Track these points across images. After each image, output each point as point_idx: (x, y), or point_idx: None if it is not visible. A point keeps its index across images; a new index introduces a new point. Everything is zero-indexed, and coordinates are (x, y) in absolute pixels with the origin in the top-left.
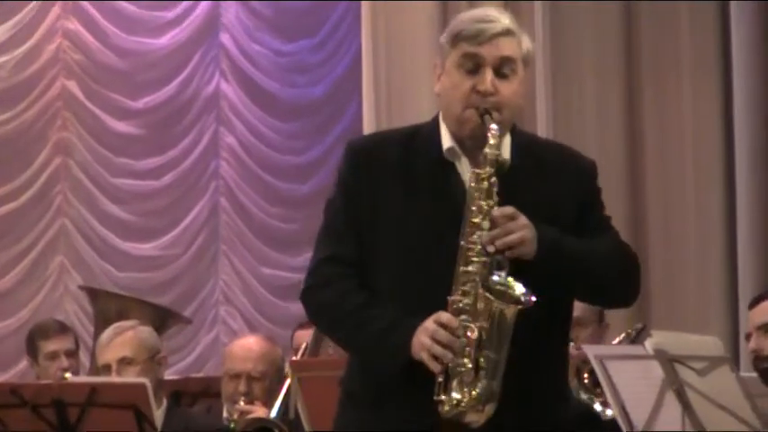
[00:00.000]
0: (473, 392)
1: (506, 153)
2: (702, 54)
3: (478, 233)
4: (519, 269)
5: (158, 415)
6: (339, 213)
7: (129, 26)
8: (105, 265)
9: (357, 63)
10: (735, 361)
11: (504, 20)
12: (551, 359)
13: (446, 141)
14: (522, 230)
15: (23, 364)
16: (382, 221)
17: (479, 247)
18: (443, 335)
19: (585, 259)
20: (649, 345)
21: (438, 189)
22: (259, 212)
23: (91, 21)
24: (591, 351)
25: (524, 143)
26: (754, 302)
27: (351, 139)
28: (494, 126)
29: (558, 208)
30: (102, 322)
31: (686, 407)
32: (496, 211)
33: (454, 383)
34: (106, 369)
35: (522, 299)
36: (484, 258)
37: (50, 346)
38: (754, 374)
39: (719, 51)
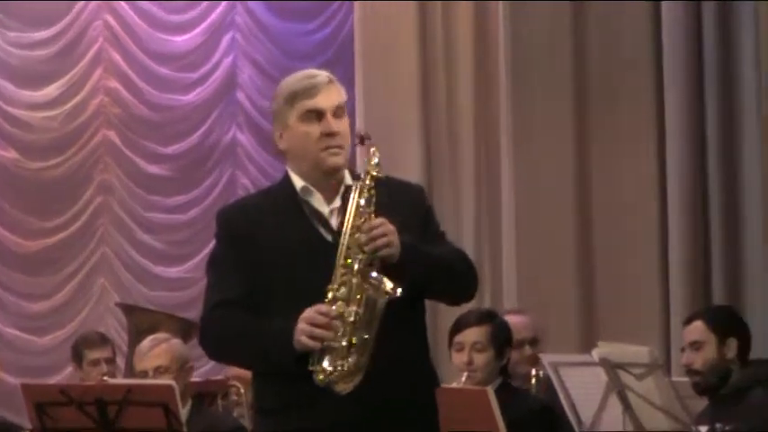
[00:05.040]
0: (344, 366)
1: (348, 180)
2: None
3: (358, 234)
4: (386, 268)
5: (184, 413)
6: (222, 266)
7: (160, 85)
8: (140, 286)
9: (352, 117)
10: (667, 367)
11: (324, 73)
12: (411, 342)
13: (298, 182)
14: (391, 236)
15: (69, 369)
16: (266, 258)
17: (357, 246)
18: (320, 318)
19: (436, 262)
20: (596, 354)
21: (303, 220)
22: None
23: (128, 80)
24: (546, 359)
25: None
26: (687, 321)
27: (219, 207)
28: (372, 149)
29: (405, 223)
30: (135, 334)
31: (627, 406)
32: (374, 221)
33: (327, 357)
34: (143, 375)
35: (391, 291)
36: (360, 256)
37: (93, 354)
38: (685, 379)
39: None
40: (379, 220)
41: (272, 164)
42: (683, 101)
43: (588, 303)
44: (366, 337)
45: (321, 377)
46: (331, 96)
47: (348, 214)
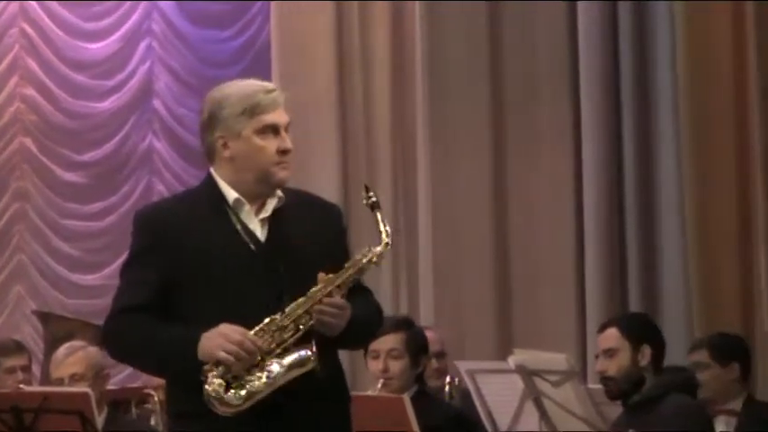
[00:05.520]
0: (235, 395)
1: (279, 192)
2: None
3: (321, 292)
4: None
5: (100, 421)
6: (136, 268)
7: (76, 92)
8: (56, 293)
9: None
10: (583, 374)
11: (276, 87)
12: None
13: (230, 192)
14: (343, 322)
15: None
16: (188, 264)
17: (308, 307)
18: (249, 346)
19: (361, 332)
20: (512, 361)
21: (229, 228)
22: None
23: (45, 87)
24: (462, 366)
25: (286, 188)
26: (602, 328)
27: (137, 209)
28: (386, 229)
29: (322, 237)
30: (52, 342)
31: (543, 413)
32: (338, 301)
33: (223, 375)
34: (59, 382)
35: (311, 365)
36: (306, 320)
37: (9, 362)
38: (600, 386)
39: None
40: (342, 302)
41: (188, 171)
42: (599, 102)
43: (504, 310)
44: (265, 389)
45: (209, 389)
46: (284, 113)
47: (342, 274)
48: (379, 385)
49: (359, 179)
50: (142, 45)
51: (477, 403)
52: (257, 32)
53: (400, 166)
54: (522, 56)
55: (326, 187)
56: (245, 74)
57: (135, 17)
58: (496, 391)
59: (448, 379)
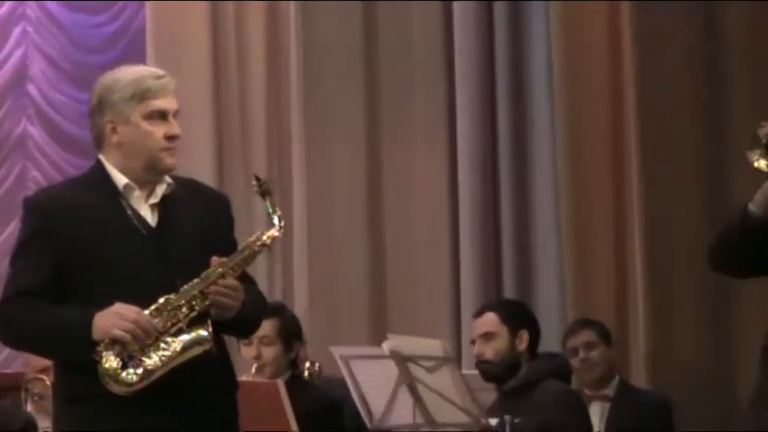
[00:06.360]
0: (132, 372)
1: (168, 178)
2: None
3: (215, 273)
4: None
5: None
6: (28, 253)
7: None
8: None
9: None
10: (458, 361)
11: (167, 74)
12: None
13: (120, 178)
14: (237, 303)
15: None
16: (81, 249)
17: (203, 287)
18: (144, 324)
19: (249, 318)
20: (386, 346)
21: (122, 218)
22: None
23: None
24: (337, 351)
25: (176, 176)
26: (479, 312)
27: (26, 195)
28: (278, 214)
29: (211, 223)
30: None
31: (417, 399)
32: (232, 283)
33: (119, 354)
34: None
35: (207, 345)
36: (200, 300)
37: None
38: (475, 372)
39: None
40: (237, 284)
41: (63, 156)
42: (474, 100)
43: (379, 296)
44: (160, 368)
45: (106, 366)
46: (174, 99)
47: (236, 256)
48: (253, 370)
49: (234, 175)
50: (16, 30)
51: (352, 389)
52: (132, 17)
53: (276, 163)
54: (397, 48)
55: (201, 176)
56: (121, 59)
57: (9, 2)
58: (371, 377)
59: (307, 364)
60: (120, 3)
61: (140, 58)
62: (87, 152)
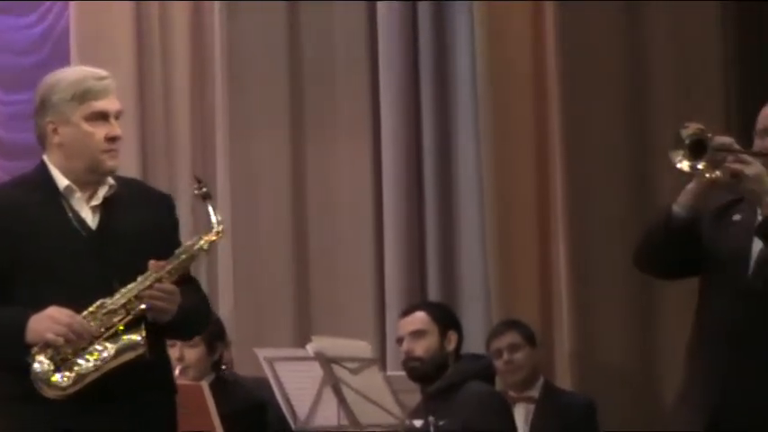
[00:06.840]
0: (64, 375)
1: (111, 180)
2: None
3: (151, 277)
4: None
5: None
6: None
7: None
8: None
9: None
10: (383, 361)
11: (109, 75)
12: (158, 365)
13: (61, 180)
14: (173, 308)
15: None
16: (21, 250)
17: (138, 291)
18: (78, 328)
19: (191, 321)
20: (311, 348)
21: (62, 219)
22: None
23: None
24: (261, 353)
25: (119, 177)
26: (407, 312)
27: None
28: (219, 219)
29: (154, 225)
30: None
31: (342, 401)
32: (168, 287)
33: (53, 358)
34: None
35: (141, 350)
36: (136, 304)
37: None
38: (401, 373)
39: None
40: (172, 288)
41: None
42: (398, 102)
43: (303, 297)
44: (93, 372)
45: (38, 370)
46: (116, 100)
47: (173, 260)
48: (177, 372)
49: (158, 174)
50: None
51: (276, 391)
52: (56, 20)
53: (200, 163)
54: (321, 47)
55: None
56: (45, 62)
57: None
58: (295, 379)
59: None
60: (48, 3)
61: (65, 62)
62: (15, 154)
